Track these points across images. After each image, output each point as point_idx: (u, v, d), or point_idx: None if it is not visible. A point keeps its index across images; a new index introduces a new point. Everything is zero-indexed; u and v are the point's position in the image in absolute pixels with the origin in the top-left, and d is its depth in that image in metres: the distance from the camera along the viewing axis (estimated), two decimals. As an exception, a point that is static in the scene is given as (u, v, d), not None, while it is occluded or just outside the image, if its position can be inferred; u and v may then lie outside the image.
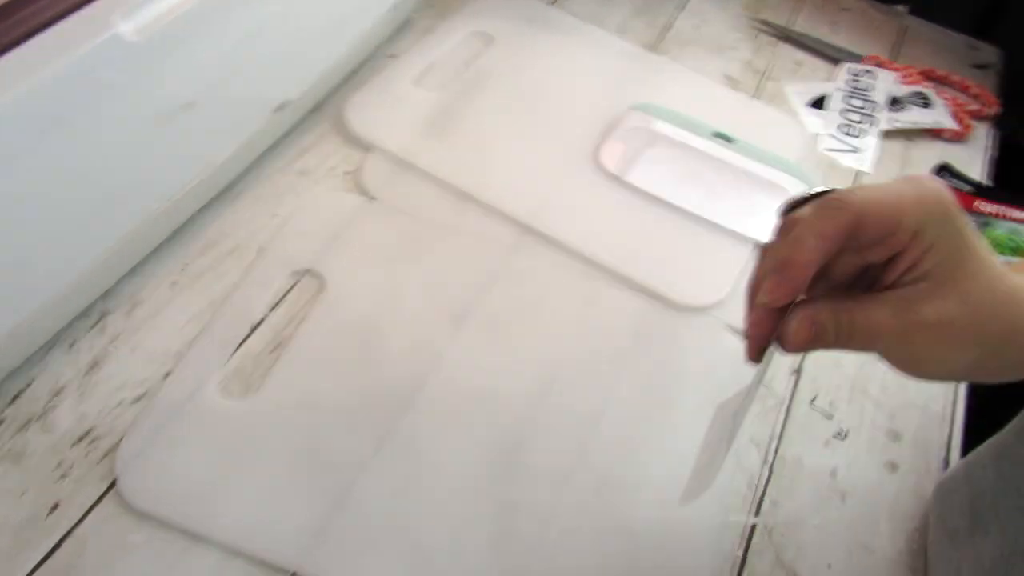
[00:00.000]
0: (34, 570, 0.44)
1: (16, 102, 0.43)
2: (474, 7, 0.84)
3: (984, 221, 0.75)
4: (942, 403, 0.62)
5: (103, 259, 0.53)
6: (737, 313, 0.63)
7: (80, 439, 0.50)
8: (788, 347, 0.38)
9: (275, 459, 0.50)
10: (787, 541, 0.53)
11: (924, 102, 0.85)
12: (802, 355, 0.62)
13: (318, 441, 0.51)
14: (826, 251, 0.36)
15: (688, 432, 0.56)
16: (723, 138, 0.73)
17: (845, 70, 0.89)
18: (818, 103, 0.84)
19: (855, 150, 0.80)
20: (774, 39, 0.92)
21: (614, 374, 0.58)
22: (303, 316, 0.57)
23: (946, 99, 0.86)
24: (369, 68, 0.76)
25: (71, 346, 0.54)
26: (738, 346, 0.60)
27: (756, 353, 0.40)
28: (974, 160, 0.83)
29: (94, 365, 0.53)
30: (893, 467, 0.58)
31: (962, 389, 0.63)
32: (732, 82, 0.85)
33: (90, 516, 0.47)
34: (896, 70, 0.89)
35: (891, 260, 0.37)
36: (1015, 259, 0.73)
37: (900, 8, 1.00)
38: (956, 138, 0.84)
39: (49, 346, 0.53)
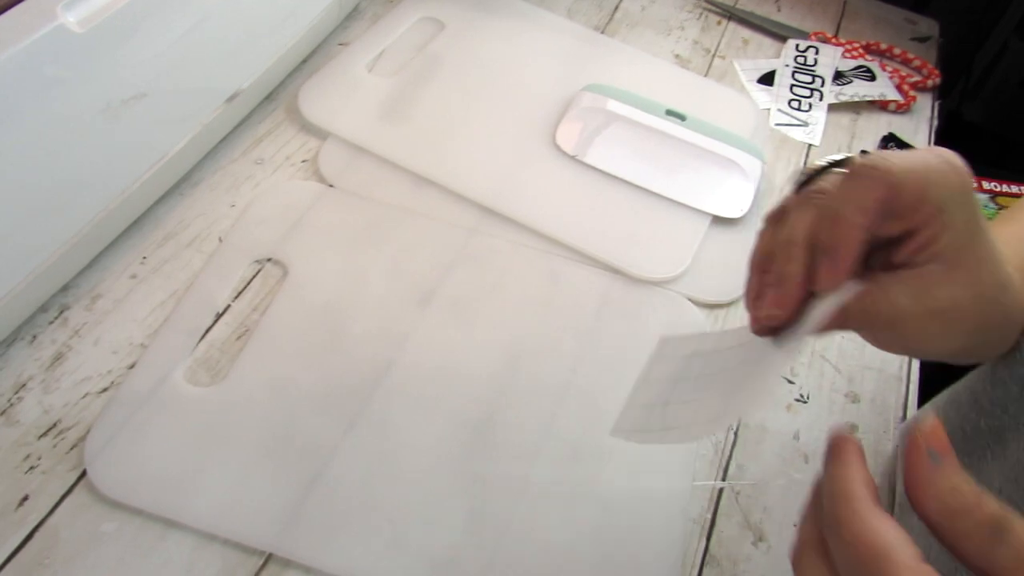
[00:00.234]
0: (6, 562, 0.44)
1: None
2: (424, -7, 0.84)
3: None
4: (897, 366, 0.63)
5: (61, 253, 0.52)
6: (696, 285, 0.64)
7: (47, 432, 0.49)
8: (810, 332, 0.36)
9: (246, 444, 0.50)
10: (753, 503, 0.54)
11: (868, 75, 0.87)
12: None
13: (288, 425, 0.51)
14: (869, 226, 0.34)
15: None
16: (676, 116, 0.74)
17: (791, 46, 0.90)
18: (767, 79, 0.86)
19: (804, 124, 0.82)
20: (721, 18, 0.94)
21: (579, 348, 0.59)
22: (268, 303, 0.57)
23: (889, 72, 0.88)
24: (321, 56, 0.76)
25: (32, 340, 0.53)
26: (698, 317, 0.62)
27: (768, 332, 0.38)
28: (919, 130, 0.85)
29: (57, 358, 0.53)
30: (853, 428, 0.59)
31: (916, 351, 0.65)
32: (682, 61, 0.86)
33: (61, 507, 0.46)
34: (840, 45, 0.91)
35: (903, 235, 0.36)
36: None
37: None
38: (900, 109, 0.86)
39: (9, 341, 0.53)
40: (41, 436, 0.49)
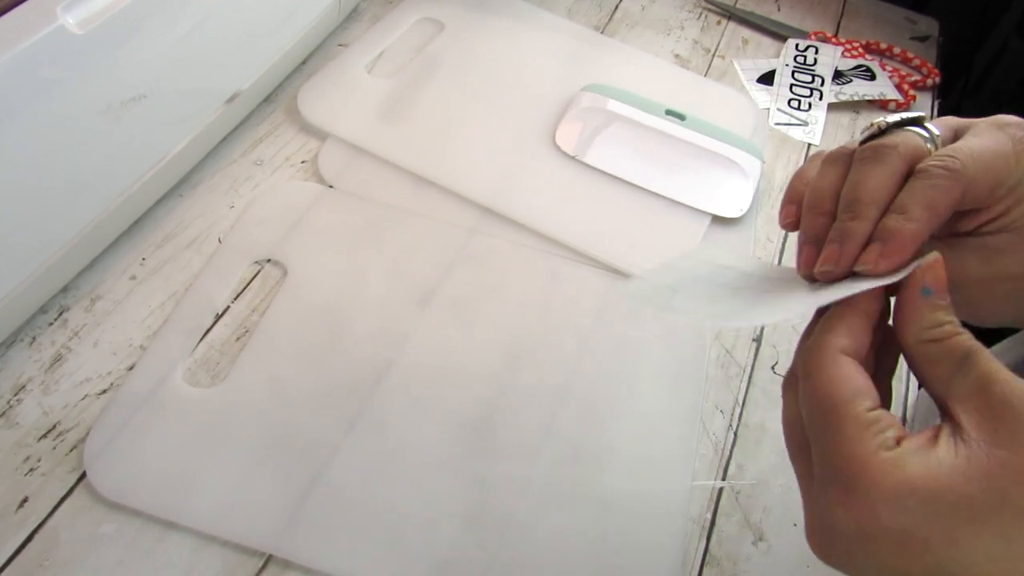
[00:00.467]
0: (6, 564, 0.44)
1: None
2: (423, -6, 0.84)
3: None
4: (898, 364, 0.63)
5: (60, 254, 0.52)
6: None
7: (46, 433, 0.49)
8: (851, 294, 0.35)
9: (246, 445, 0.50)
10: (754, 503, 0.54)
11: (868, 74, 0.87)
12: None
13: (288, 425, 0.51)
14: (934, 226, 0.34)
15: (652, 400, 0.57)
16: (676, 116, 0.74)
17: (791, 46, 0.90)
18: (766, 79, 0.86)
19: (804, 123, 0.81)
20: (720, 18, 0.94)
21: (579, 348, 0.59)
22: (267, 304, 0.57)
23: (889, 71, 0.88)
24: (320, 57, 0.76)
25: (32, 342, 0.53)
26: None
27: (811, 278, 0.37)
28: (918, 129, 0.85)
29: (57, 360, 0.53)
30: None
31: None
32: (682, 61, 0.86)
33: (60, 509, 0.46)
34: (840, 44, 0.91)
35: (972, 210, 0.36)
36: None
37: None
38: (900, 108, 0.85)
39: (9, 343, 0.53)
40: (41, 438, 0.49)
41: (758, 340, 0.63)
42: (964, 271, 0.36)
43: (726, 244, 0.68)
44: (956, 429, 0.29)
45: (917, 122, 0.37)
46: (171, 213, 0.62)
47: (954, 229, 0.37)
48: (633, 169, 0.70)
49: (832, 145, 0.80)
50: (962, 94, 1.17)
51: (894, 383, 0.35)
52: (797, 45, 0.90)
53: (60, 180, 0.50)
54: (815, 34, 0.92)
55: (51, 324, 0.54)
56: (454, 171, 0.68)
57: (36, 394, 0.51)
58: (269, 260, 0.60)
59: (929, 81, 0.89)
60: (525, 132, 0.72)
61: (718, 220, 0.69)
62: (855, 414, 0.30)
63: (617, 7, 0.91)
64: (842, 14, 0.99)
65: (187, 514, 0.47)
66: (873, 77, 0.87)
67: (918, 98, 0.87)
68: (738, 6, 0.95)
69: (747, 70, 0.87)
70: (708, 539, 0.52)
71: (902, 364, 0.35)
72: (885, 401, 0.33)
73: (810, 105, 0.83)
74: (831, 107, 0.84)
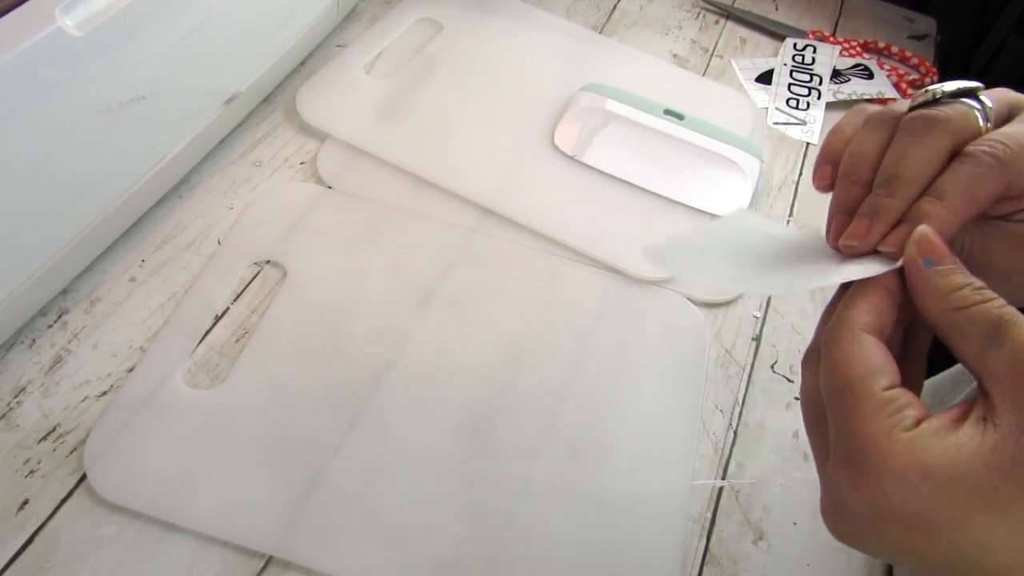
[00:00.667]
0: (6, 567, 0.44)
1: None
2: (421, -5, 0.84)
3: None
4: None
5: (59, 256, 0.52)
6: (696, 284, 0.64)
7: (46, 435, 0.49)
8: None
9: (246, 446, 0.50)
10: (754, 502, 0.54)
11: (866, 73, 0.87)
12: (762, 323, 0.64)
13: (288, 426, 0.51)
14: (972, 215, 0.33)
15: (652, 400, 0.57)
16: (674, 115, 0.74)
17: (789, 45, 0.90)
18: (764, 78, 0.86)
19: (802, 122, 0.82)
20: (719, 17, 0.94)
21: (579, 348, 0.59)
22: (267, 305, 0.57)
23: (887, 70, 0.88)
24: (319, 58, 0.76)
25: (31, 344, 0.53)
26: (698, 316, 0.62)
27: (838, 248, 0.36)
28: (917, 128, 0.85)
29: (56, 362, 0.53)
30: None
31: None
32: (680, 60, 0.86)
33: (61, 511, 0.46)
34: (838, 43, 0.91)
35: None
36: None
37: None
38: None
39: (8, 345, 0.53)
40: (41, 440, 0.49)
41: (757, 339, 0.63)
42: (986, 256, 0.35)
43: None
44: (988, 410, 0.28)
45: (973, 93, 0.35)
46: (170, 214, 0.62)
47: (984, 211, 0.35)
48: (632, 169, 0.70)
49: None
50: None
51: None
52: (795, 44, 0.90)
53: (59, 182, 0.50)
54: (813, 33, 0.92)
55: (50, 326, 0.54)
56: (453, 171, 0.68)
57: (36, 396, 0.51)
58: (268, 261, 0.60)
59: (927, 80, 0.89)
60: (524, 132, 0.72)
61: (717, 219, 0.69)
62: (870, 392, 0.29)
63: (615, 7, 0.91)
64: (840, 13, 0.99)
65: (187, 515, 0.47)
66: (871, 76, 0.87)
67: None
68: (736, 5, 0.95)
69: (745, 69, 0.87)
70: (708, 538, 0.52)
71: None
72: (915, 380, 0.33)
73: (808, 104, 0.83)
74: (829, 106, 0.84)
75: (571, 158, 0.70)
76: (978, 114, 0.34)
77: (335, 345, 0.56)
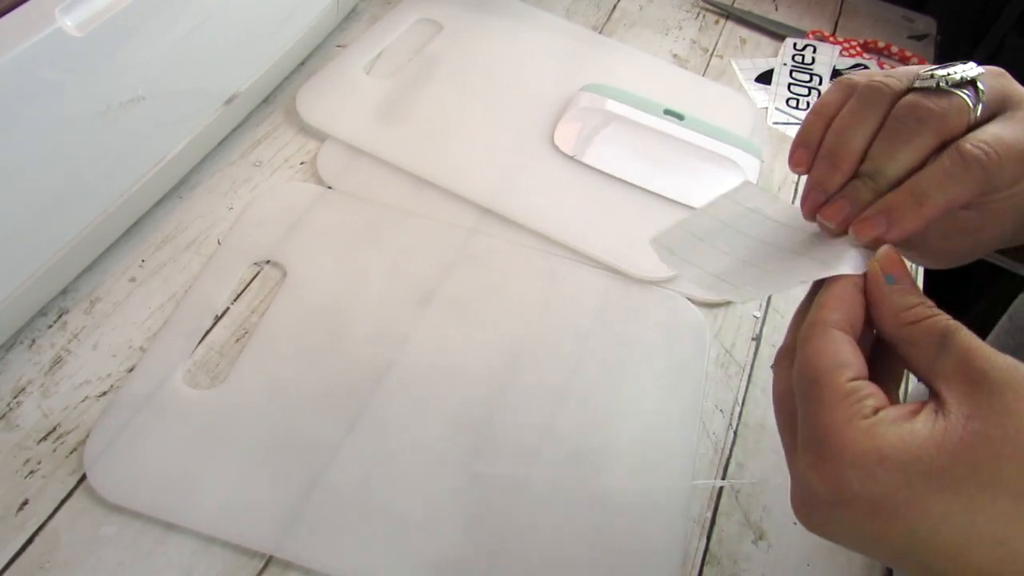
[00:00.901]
0: (6, 567, 0.44)
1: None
2: (421, -5, 0.85)
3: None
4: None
5: (59, 256, 0.52)
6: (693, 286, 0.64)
7: (46, 436, 0.49)
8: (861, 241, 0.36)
9: (246, 446, 0.50)
10: (753, 501, 0.54)
11: (866, 73, 0.87)
12: (762, 322, 0.64)
13: (289, 426, 0.51)
14: (945, 213, 0.35)
15: (652, 400, 0.57)
16: (674, 115, 0.74)
17: (789, 45, 0.90)
18: (764, 78, 0.86)
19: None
20: (718, 17, 0.94)
21: (579, 348, 0.59)
22: (267, 305, 0.57)
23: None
24: (319, 58, 0.76)
25: (31, 344, 0.53)
26: (698, 316, 0.62)
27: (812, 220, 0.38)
28: (917, 128, 0.85)
29: (56, 362, 0.53)
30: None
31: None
32: (680, 60, 0.86)
33: (61, 511, 0.46)
34: (837, 43, 0.91)
35: None
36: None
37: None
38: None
39: (8, 346, 0.53)
40: (41, 440, 0.49)
41: (757, 339, 0.63)
42: (923, 240, 0.37)
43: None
44: (939, 404, 0.30)
45: (972, 83, 0.36)
46: (170, 215, 0.62)
47: None
48: (632, 169, 0.70)
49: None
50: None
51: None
52: (795, 44, 0.90)
53: (59, 182, 0.50)
54: (813, 33, 0.92)
55: (50, 326, 0.54)
56: (453, 171, 0.68)
57: (36, 396, 0.51)
58: (268, 261, 0.60)
59: (927, 80, 0.89)
60: (524, 132, 0.72)
61: (717, 219, 0.69)
62: (835, 384, 0.31)
63: (615, 7, 0.91)
64: (840, 13, 0.99)
65: (187, 515, 0.47)
66: (871, 76, 0.87)
67: (916, 97, 0.87)
68: (736, 5, 0.95)
69: (745, 69, 0.87)
70: (708, 538, 0.52)
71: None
72: (887, 374, 0.34)
73: (808, 104, 0.83)
74: (829, 106, 0.84)
75: (571, 158, 0.70)
76: (971, 104, 0.35)
77: (335, 345, 0.56)
